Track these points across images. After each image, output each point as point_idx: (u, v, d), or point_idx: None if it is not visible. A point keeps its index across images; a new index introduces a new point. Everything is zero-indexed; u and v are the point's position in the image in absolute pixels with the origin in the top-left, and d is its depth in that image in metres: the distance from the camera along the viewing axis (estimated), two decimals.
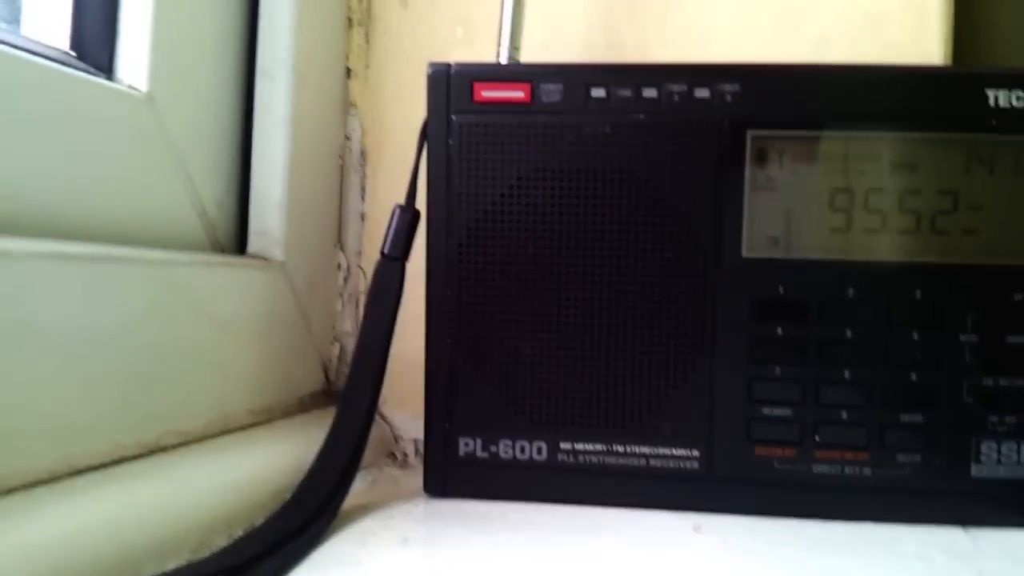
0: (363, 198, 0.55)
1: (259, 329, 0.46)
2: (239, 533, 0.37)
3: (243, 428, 0.44)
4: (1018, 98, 0.41)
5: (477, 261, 0.44)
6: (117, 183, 0.40)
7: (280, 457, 0.42)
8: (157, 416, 0.38)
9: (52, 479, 0.31)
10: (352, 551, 0.37)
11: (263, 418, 0.46)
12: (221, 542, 0.36)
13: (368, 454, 0.51)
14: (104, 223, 0.39)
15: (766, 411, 0.42)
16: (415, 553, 0.37)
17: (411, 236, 0.44)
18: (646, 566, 0.36)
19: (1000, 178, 0.42)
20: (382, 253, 0.44)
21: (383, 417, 0.54)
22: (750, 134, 0.42)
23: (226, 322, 0.43)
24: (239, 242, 0.49)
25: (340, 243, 0.55)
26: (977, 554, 0.38)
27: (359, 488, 0.47)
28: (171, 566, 0.32)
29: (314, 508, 0.38)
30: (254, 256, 0.48)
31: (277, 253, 0.48)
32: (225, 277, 0.44)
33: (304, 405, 0.50)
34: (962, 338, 0.42)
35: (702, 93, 0.43)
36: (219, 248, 0.47)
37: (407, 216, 0.44)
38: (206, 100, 0.46)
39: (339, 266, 0.55)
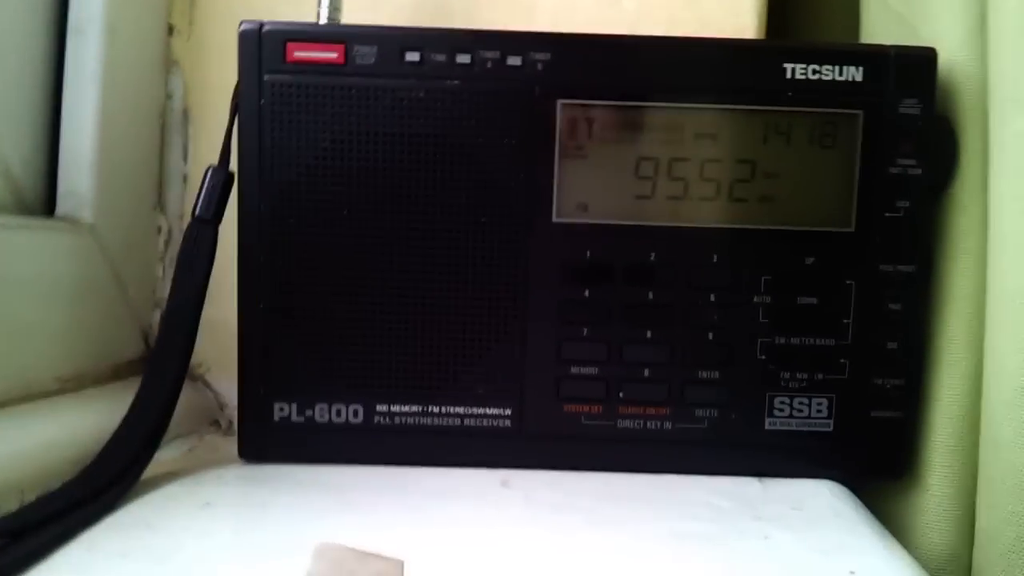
0: (185, 159, 0.54)
1: (66, 293, 0.45)
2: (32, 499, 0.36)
3: (49, 395, 0.43)
4: (814, 71, 0.44)
5: (290, 224, 0.43)
6: None
7: (85, 424, 0.41)
8: None
9: None
10: (148, 514, 0.36)
11: (72, 385, 0.45)
12: (11, 508, 0.35)
13: (189, 422, 0.50)
14: None
15: (574, 370, 0.44)
16: (214, 515, 0.37)
17: (224, 198, 0.44)
18: (449, 520, 0.37)
19: (795, 148, 0.44)
20: (193, 215, 0.43)
21: (207, 384, 0.53)
22: (560, 103, 0.43)
23: (27, 285, 0.42)
24: (50, 203, 0.47)
25: (160, 206, 0.54)
26: (762, 501, 0.41)
27: (174, 456, 0.47)
28: None
29: (113, 474, 0.38)
30: (62, 218, 0.46)
31: (86, 215, 0.46)
32: (24, 239, 0.42)
33: (120, 372, 0.49)
34: (756, 300, 0.44)
35: (514, 61, 0.43)
36: (26, 209, 0.45)
37: (220, 177, 0.43)
38: (10, 56, 0.44)
39: (159, 230, 0.53)
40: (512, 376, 0.44)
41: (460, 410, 0.44)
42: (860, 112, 0.43)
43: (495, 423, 0.44)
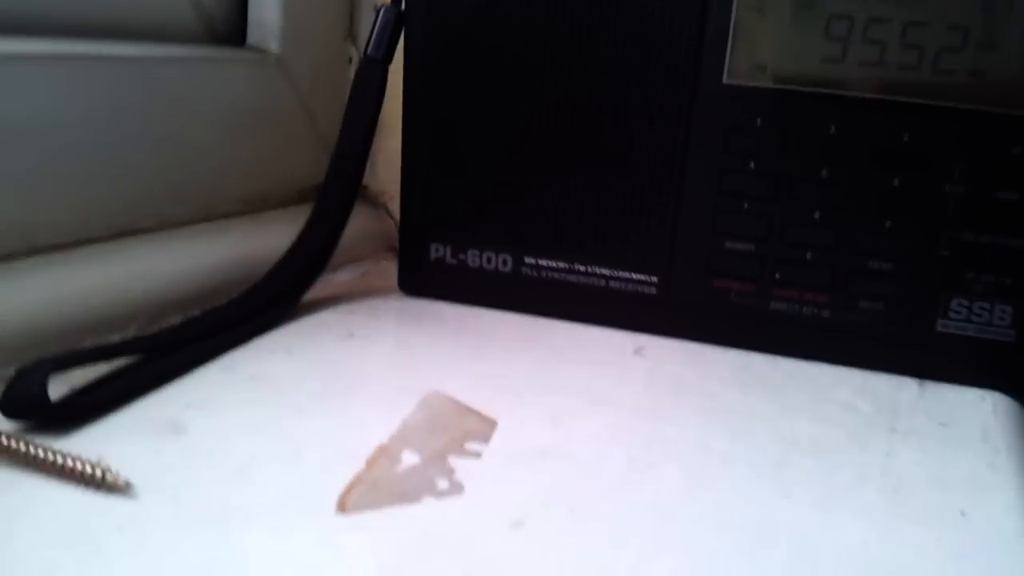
0: None
1: (252, 120, 0.47)
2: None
3: (230, 216, 0.47)
4: None
5: (454, 69, 0.43)
6: None
7: (257, 245, 0.44)
8: (132, 202, 0.41)
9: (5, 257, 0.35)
10: (292, 341, 0.39)
11: (254, 207, 0.48)
12: (172, 324, 0.39)
13: (368, 247, 0.53)
14: (93, 16, 0.41)
15: (728, 245, 0.42)
16: (351, 347, 0.40)
17: (395, 38, 0.44)
18: (561, 385, 0.37)
19: (1020, 16, 0.37)
20: (364, 53, 0.44)
21: (388, 213, 0.56)
22: None
23: (213, 112, 0.45)
24: (242, 34, 0.49)
25: (352, 36, 0.55)
26: (910, 410, 0.38)
27: (346, 279, 0.50)
28: (113, 340, 0.36)
29: (271, 297, 0.41)
30: (250, 48, 0.48)
31: (273, 45, 0.48)
32: (213, 68, 0.45)
33: (307, 195, 0.52)
34: (947, 188, 0.39)
35: None
36: (217, 40, 0.48)
37: (390, 16, 0.43)
38: None
39: (351, 59, 0.55)
40: (662, 243, 0.42)
41: (606, 272, 0.44)
42: None
43: (640, 288, 0.43)
